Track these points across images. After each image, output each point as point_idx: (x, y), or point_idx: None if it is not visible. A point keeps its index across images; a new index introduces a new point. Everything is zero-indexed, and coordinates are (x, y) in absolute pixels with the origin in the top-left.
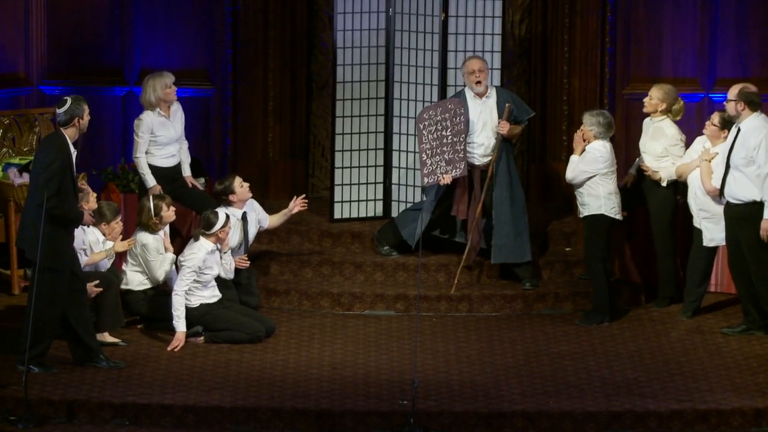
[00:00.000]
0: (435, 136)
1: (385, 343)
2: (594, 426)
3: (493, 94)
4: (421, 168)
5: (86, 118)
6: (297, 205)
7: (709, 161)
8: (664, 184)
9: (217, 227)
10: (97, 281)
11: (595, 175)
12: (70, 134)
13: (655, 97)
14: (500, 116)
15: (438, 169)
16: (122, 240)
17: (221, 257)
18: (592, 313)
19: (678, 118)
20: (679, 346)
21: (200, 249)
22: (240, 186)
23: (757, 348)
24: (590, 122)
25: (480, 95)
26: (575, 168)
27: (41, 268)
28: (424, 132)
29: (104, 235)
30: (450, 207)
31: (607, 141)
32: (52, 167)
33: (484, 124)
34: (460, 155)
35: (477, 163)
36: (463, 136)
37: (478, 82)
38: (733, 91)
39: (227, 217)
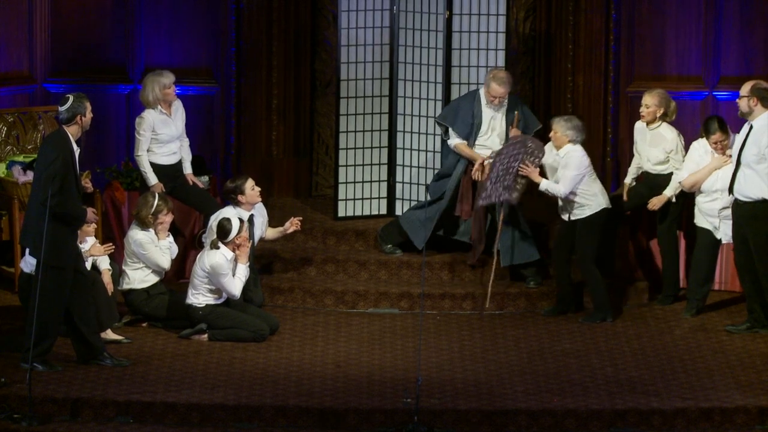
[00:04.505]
0: (504, 166)
1: (389, 341)
2: (598, 424)
3: (506, 100)
4: (479, 191)
5: (89, 115)
6: (293, 225)
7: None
8: (674, 200)
9: (231, 237)
10: None
11: (584, 175)
12: (72, 132)
13: (652, 104)
14: (509, 124)
15: (494, 194)
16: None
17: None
18: (594, 312)
19: (673, 118)
20: (683, 344)
21: (223, 256)
22: (251, 189)
23: (761, 346)
24: (564, 127)
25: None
26: (566, 178)
27: (44, 265)
28: (496, 164)
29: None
30: (453, 207)
31: (579, 145)
32: (55, 165)
33: (493, 129)
34: (518, 186)
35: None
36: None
37: (496, 105)
38: (746, 88)
39: (241, 222)
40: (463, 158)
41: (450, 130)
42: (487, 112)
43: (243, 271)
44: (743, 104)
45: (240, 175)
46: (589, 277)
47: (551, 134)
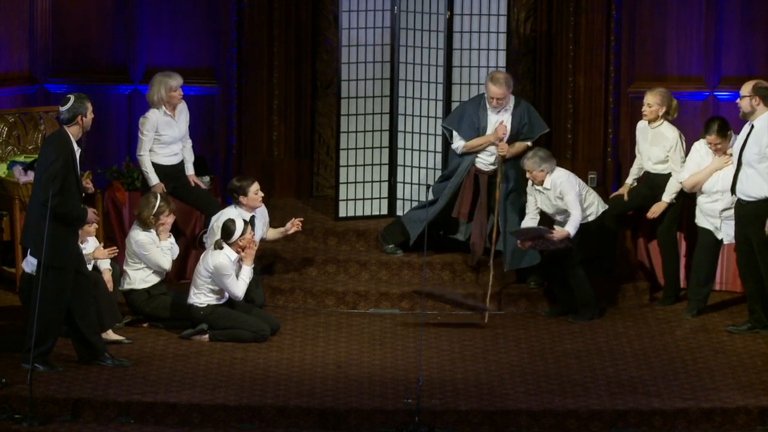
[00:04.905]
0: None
1: (390, 341)
2: (599, 424)
3: (511, 104)
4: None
5: (90, 116)
6: (294, 226)
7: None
8: (674, 201)
9: (235, 237)
10: None
11: (581, 190)
12: (73, 132)
13: (654, 103)
14: (513, 130)
15: (546, 247)
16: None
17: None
18: (581, 311)
19: (674, 117)
20: (684, 344)
21: (227, 257)
22: (254, 192)
23: (762, 346)
24: (537, 164)
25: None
26: (571, 203)
27: (45, 266)
28: (519, 240)
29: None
30: (451, 208)
31: (558, 169)
32: (55, 165)
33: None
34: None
35: (485, 169)
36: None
37: (495, 106)
38: (747, 88)
39: (245, 224)
40: (466, 161)
41: (455, 133)
42: (492, 116)
43: (247, 273)
44: (745, 104)
45: (247, 176)
46: (575, 276)
47: (527, 175)
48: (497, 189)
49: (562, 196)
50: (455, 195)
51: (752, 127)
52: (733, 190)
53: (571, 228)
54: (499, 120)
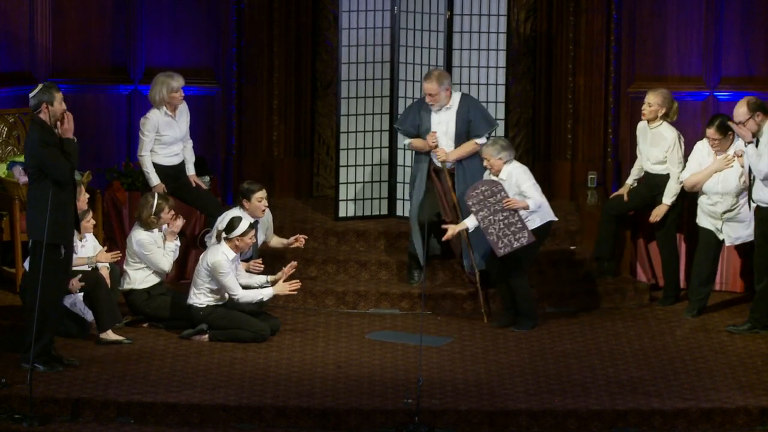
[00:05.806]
0: (488, 215)
1: (390, 341)
2: (599, 424)
3: (455, 103)
4: (495, 244)
5: (57, 105)
6: (297, 242)
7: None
8: (674, 203)
9: (235, 233)
10: (80, 275)
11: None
12: (44, 119)
13: (654, 103)
14: (458, 130)
15: (509, 242)
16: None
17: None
18: (523, 321)
19: (674, 119)
20: (684, 344)
21: (224, 255)
22: (258, 200)
23: (762, 346)
24: (495, 151)
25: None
26: (529, 189)
27: (40, 245)
28: (473, 210)
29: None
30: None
31: (514, 161)
32: (42, 152)
33: (444, 132)
34: (518, 225)
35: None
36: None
37: (430, 102)
38: (742, 110)
39: (250, 226)
40: (422, 161)
41: (402, 132)
42: (434, 117)
43: (267, 294)
44: (752, 125)
45: (257, 183)
46: (520, 286)
47: (485, 163)
48: (451, 191)
49: (518, 186)
50: (427, 194)
51: (758, 141)
52: (750, 196)
53: (531, 204)
54: (439, 121)
